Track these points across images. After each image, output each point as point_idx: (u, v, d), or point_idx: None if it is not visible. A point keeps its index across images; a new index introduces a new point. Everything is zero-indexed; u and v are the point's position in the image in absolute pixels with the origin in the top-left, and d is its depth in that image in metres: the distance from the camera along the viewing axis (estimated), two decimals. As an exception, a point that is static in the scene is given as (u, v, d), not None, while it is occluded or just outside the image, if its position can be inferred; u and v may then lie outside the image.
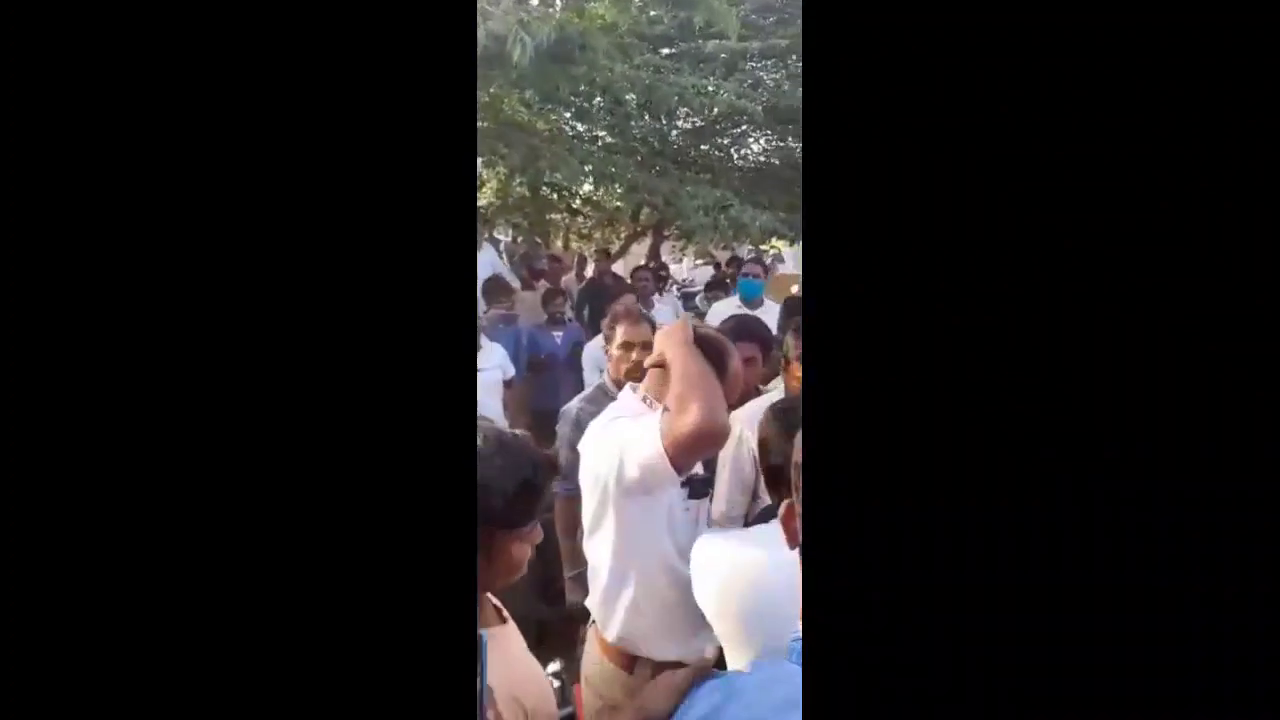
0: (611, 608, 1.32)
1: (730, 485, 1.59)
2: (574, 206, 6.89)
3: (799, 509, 0.84)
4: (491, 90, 4.85)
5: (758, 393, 1.92)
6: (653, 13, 5.69)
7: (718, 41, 5.66)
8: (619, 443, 1.21)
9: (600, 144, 5.95)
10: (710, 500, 1.43)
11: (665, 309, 4.29)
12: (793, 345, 1.80)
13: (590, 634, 1.42)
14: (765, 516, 1.12)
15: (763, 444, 1.14)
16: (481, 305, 3.70)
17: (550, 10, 5.01)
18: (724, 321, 2.21)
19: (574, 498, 1.47)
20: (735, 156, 6.65)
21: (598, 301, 4.51)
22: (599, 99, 5.65)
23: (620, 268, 6.24)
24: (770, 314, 3.28)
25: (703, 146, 6.48)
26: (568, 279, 5.76)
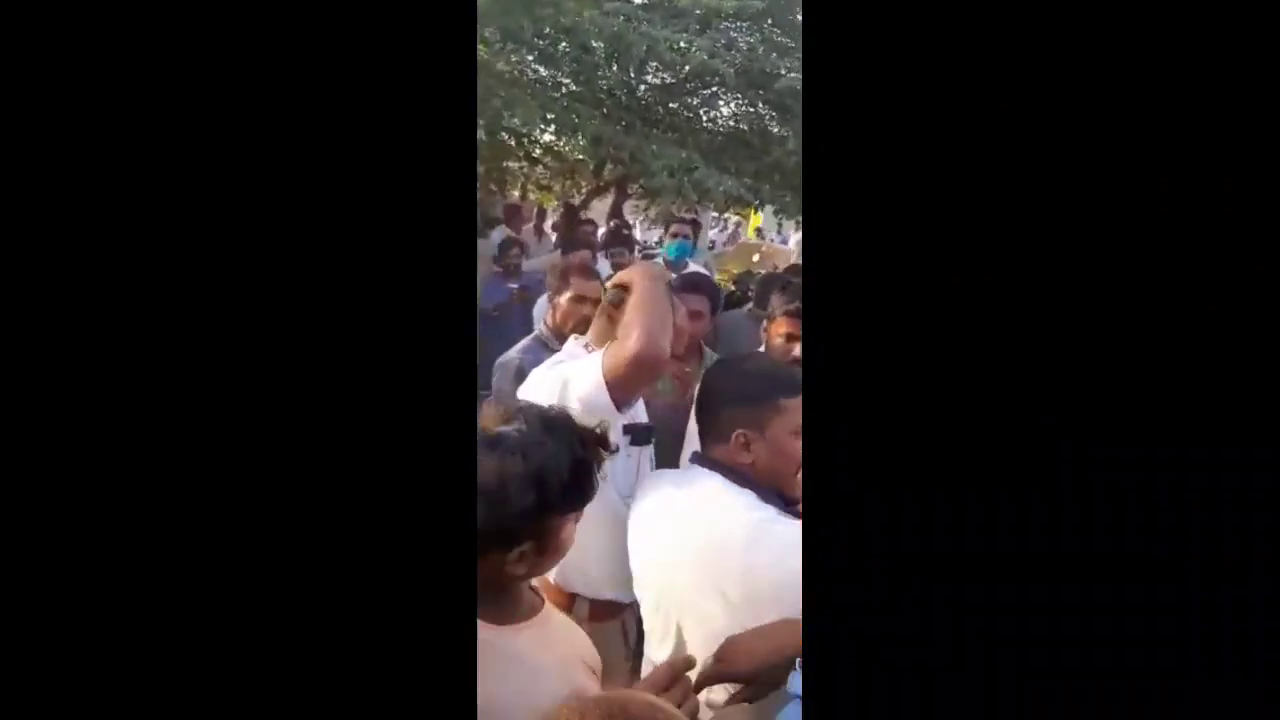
0: None
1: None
2: (534, 155, 6.60)
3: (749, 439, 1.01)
4: (450, 23, 4.53)
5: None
6: (626, -44, 5.41)
7: (693, -5, 5.44)
8: (560, 380, 1.22)
9: (564, 91, 5.69)
10: (653, 448, 1.42)
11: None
12: (777, 304, 1.83)
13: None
14: (696, 462, 1.11)
15: (703, 394, 1.13)
16: None
17: (518, -58, 4.68)
18: (677, 277, 2.25)
19: None
20: (704, 118, 6.46)
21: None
22: (564, 44, 5.37)
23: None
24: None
25: (671, 104, 6.28)
26: (527, 229, 5.58)
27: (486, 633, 0.79)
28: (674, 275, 3.21)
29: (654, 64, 5.70)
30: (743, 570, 0.95)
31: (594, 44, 5.27)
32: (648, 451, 1.40)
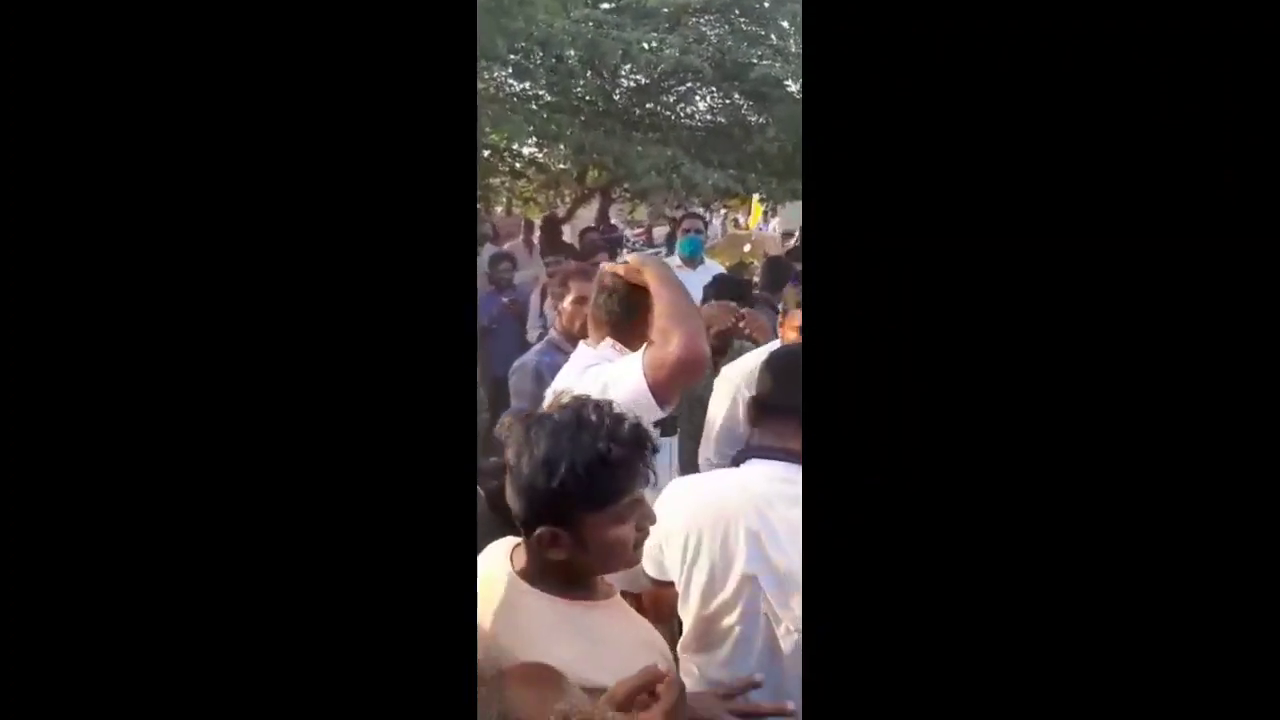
0: None
1: (720, 437, 1.63)
2: (517, 169, 6.62)
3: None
4: (423, 46, 4.56)
5: (752, 344, 1.99)
6: (588, -35, 5.44)
7: (659, -6, 5.46)
8: (600, 384, 1.24)
9: (542, 103, 5.71)
10: (677, 438, 1.46)
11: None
12: (792, 298, 1.88)
13: None
14: (747, 456, 1.13)
15: (760, 395, 1.15)
16: None
17: (482, -41, 4.71)
18: (713, 279, 2.24)
19: None
20: (682, 114, 6.48)
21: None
22: (539, 55, 5.39)
23: (568, 233, 6.06)
24: (709, 273, 3.17)
25: (649, 105, 6.30)
26: (514, 244, 5.60)
27: (556, 605, 0.82)
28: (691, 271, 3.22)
29: (628, 66, 5.72)
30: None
31: (568, 53, 5.29)
32: (674, 442, 1.43)
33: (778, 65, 5.59)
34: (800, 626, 0.96)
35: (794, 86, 5.45)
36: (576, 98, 5.77)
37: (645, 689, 0.69)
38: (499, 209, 7.55)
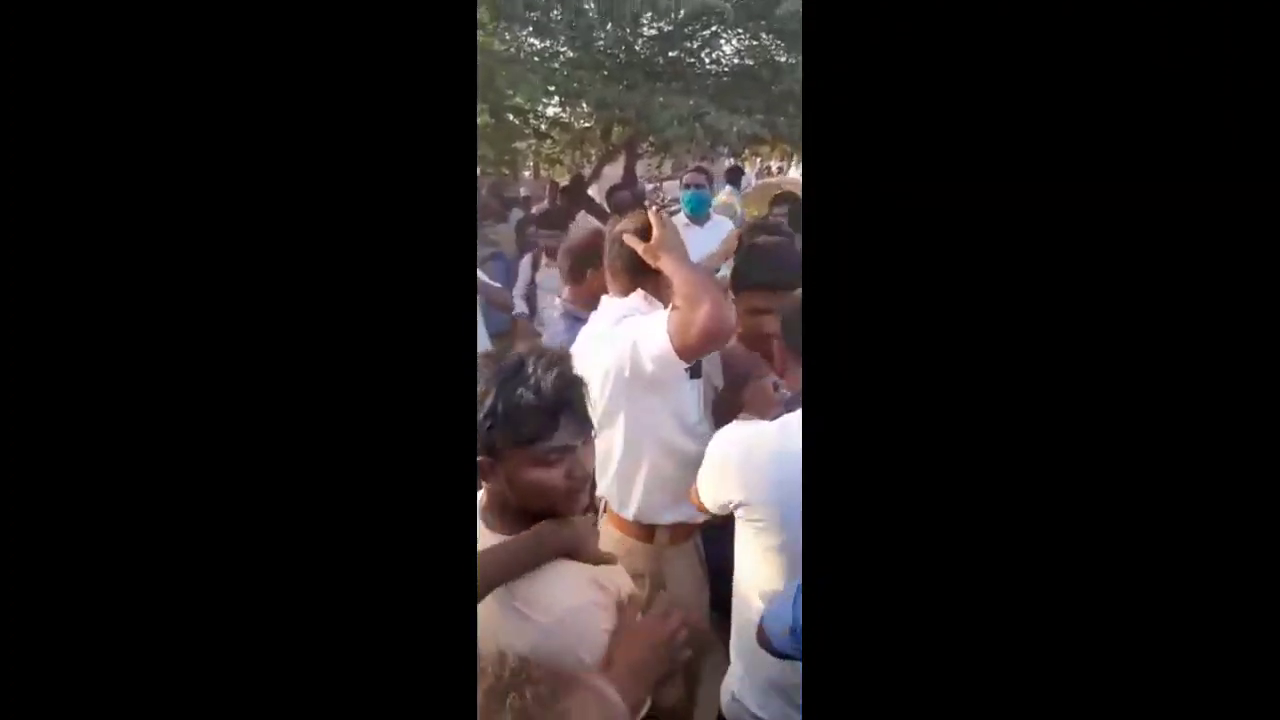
0: (628, 488, 1.46)
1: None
2: (541, 130, 6.55)
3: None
4: (439, 10, 4.48)
5: None
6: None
7: (675, -64, 5.24)
8: (629, 340, 1.29)
9: (563, 60, 5.60)
10: (702, 380, 1.50)
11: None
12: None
13: (603, 522, 1.51)
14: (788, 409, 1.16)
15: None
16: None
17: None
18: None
19: None
20: (707, 60, 6.29)
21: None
22: (557, 11, 5.27)
23: (594, 193, 6.00)
24: (719, 231, 3.02)
25: (671, 53, 6.12)
26: (540, 207, 5.58)
27: (487, 536, 0.94)
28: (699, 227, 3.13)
29: (649, 14, 5.55)
30: None
31: (586, 6, 5.15)
32: (699, 384, 1.47)
33: None
34: None
35: (823, 21, 5.18)
36: (598, 51, 5.64)
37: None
38: (526, 173, 7.49)
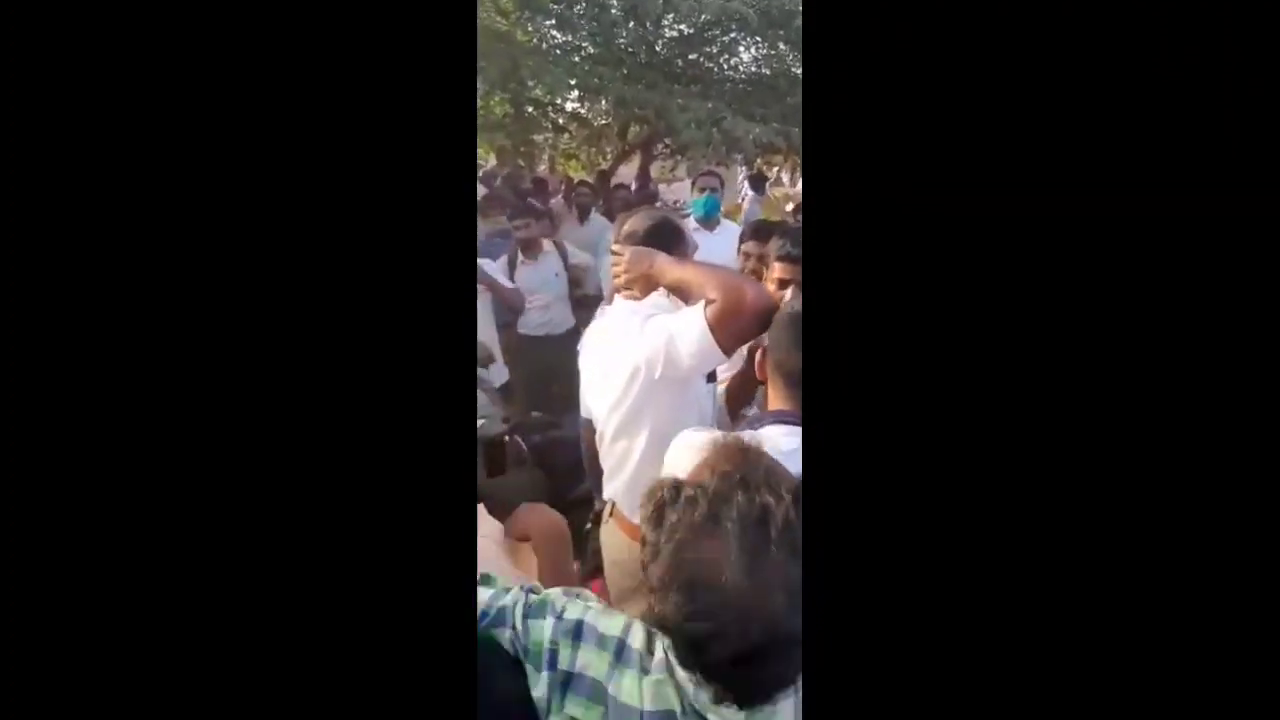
0: (641, 493, 1.39)
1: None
2: (559, 123, 6.59)
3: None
4: (466, -2, 4.52)
5: None
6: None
7: (702, -60, 5.29)
8: (665, 334, 1.25)
9: (584, 54, 5.64)
10: (717, 384, 1.47)
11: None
12: (773, 248, 1.82)
13: (610, 525, 1.46)
14: (763, 421, 1.12)
15: (777, 360, 1.14)
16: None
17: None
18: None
19: None
20: (725, 66, 6.34)
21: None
22: (580, 6, 5.32)
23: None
24: (728, 235, 2.99)
25: (691, 56, 6.17)
26: (556, 201, 5.60)
27: None
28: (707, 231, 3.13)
29: (671, 15, 5.60)
30: None
31: (611, 2, 5.19)
32: (715, 389, 1.45)
33: (826, 12, 5.37)
34: None
35: (842, 34, 5.22)
36: (619, 49, 5.69)
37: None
38: (542, 167, 7.53)
